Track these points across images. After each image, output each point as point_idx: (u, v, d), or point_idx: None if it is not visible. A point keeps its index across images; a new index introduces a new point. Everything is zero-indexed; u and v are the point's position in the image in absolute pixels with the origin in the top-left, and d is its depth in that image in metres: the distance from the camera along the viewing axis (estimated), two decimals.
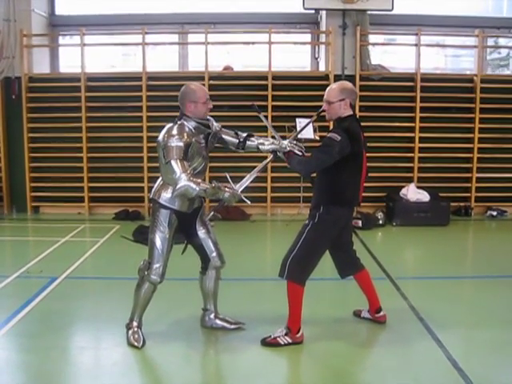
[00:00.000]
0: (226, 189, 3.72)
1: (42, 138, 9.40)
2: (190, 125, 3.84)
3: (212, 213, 3.91)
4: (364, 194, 4.23)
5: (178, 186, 3.64)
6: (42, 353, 3.83)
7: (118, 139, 9.26)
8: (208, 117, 3.99)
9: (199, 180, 3.70)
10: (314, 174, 4.09)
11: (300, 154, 4.00)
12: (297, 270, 3.87)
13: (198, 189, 3.63)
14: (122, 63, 10.83)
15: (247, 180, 3.94)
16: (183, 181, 3.61)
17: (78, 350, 4.00)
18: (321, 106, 4.08)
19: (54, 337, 4.10)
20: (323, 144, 3.89)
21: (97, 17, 9.95)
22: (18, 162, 9.40)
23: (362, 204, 8.26)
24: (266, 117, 4.36)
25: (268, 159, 4.14)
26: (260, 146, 4.17)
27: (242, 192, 3.81)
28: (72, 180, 9.41)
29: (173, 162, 3.64)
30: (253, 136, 4.21)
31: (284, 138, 4.13)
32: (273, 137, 4.21)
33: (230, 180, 3.79)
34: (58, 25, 10.06)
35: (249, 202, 3.82)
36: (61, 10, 10.10)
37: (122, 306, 4.32)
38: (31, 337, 4.10)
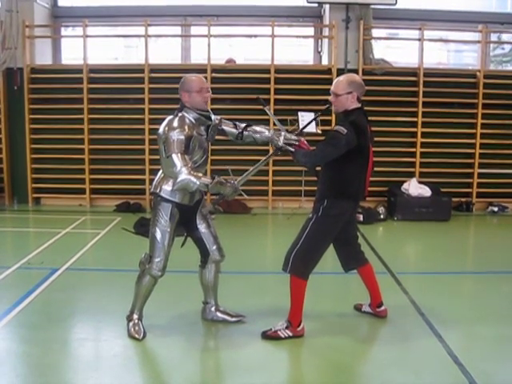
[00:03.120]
0: (228, 184, 3.70)
1: (43, 130, 9.40)
2: (190, 116, 3.80)
3: (212, 206, 3.89)
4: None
5: (178, 180, 3.62)
6: (42, 344, 3.84)
7: (119, 131, 9.25)
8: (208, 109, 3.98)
9: (200, 174, 3.67)
10: (319, 168, 4.07)
11: (293, 150, 3.93)
12: (300, 264, 3.86)
13: (198, 183, 3.61)
14: (124, 55, 10.83)
15: (248, 174, 3.91)
16: (184, 174, 3.58)
17: (79, 341, 3.99)
18: (324, 100, 4.06)
19: (55, 328, 4.10)
20: (329, 137, 3.87)
21: (99, 8, 9.95)
22: (19, 153, 9.40)
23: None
24: (270, 110, 4.30)
25: (269, 154, 4.11)
26: (254, 136, 4.09)
27: (240, 186, 3.79)
28: (73, 172, 9.41)
29: (174, 156, 3.62)
30: (251, 126, 4.15)
31: (287, 131, 4.09)
32: (277, 130, 4.16)
33: (231, 174, 3.76)
34: (60, 16, 10.04)
35: (246, 196, 3.80)
36: (63, 1, 10.09)
37: (123, 298, 4.32)
38: (32, 328, 4.11)
